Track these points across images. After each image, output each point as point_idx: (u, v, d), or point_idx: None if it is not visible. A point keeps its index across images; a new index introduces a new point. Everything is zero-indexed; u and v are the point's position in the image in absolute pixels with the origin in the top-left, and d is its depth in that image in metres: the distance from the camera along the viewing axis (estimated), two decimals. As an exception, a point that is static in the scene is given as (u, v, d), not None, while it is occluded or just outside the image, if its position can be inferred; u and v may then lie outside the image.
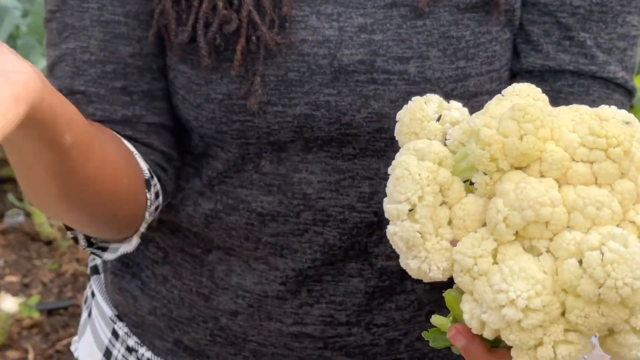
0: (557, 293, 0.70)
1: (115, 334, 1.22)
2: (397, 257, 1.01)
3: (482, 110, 0.76)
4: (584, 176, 0.70)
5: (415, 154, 0.75)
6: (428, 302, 1.05)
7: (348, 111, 0.94)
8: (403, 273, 1.02)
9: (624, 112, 0.76)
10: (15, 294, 2.11)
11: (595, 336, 0.78)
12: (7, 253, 2.22)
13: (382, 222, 0.83)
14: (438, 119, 0.81)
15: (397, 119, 0.81)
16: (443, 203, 0.74)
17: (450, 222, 0.74)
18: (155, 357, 1.18)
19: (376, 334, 1.12)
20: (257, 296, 1.11)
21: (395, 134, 0.81)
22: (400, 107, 0.82)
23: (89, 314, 1.28)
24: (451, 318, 0.81)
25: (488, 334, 0.73)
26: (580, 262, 0.68)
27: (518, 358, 0.72)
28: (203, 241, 1.12)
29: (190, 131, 1.03)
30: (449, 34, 1.01)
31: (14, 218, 2.33)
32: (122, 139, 1.00)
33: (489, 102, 0.77)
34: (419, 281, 1.03)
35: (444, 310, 0.82)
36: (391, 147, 0.91)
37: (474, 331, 0.74)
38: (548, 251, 0.70)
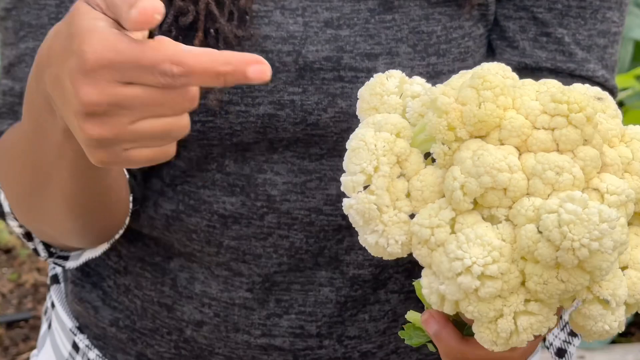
0: (516, 261, 0.70)
1: (75, 346, 1.21)
2: (370, 265, 1.07)
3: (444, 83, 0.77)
4: (544, 143, 0.70)
5: (373, 127, 0.76)
6: (403, 313, 1.04)
7: (314, 110, 0.95)
8: (376, 282, 1.09)
9: (596, 88, 0.77)
10: (-27, 305, 2.15)
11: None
12: (-37, 262, 2.28)
13: (350, 227, 0.83)
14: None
15: (358, 96, 0.81)
16: (401, 175, 0.74)
17: (408, 194, 0.74)
18: None
19: (349, 346, 1.11)
20: (224, 304, 1.10)
21: (357, 112, 0.81)
22: None
23: (49, 326, 1.27)
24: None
25: (448, 309, 0.73)
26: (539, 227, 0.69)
27: (480, 332, 0.72)
28: (163, 248, 1.12)
29: None
30: (419, 29, 1.01)
31: (-31, 225, 2.37)
32: None
33: (453, 75, 0.78)
34: (394, 291, 1.09)
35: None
36: None
37: (434, 306, 0.74)
38: (507, 219, 0.70)
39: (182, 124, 0.73)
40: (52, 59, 0.75)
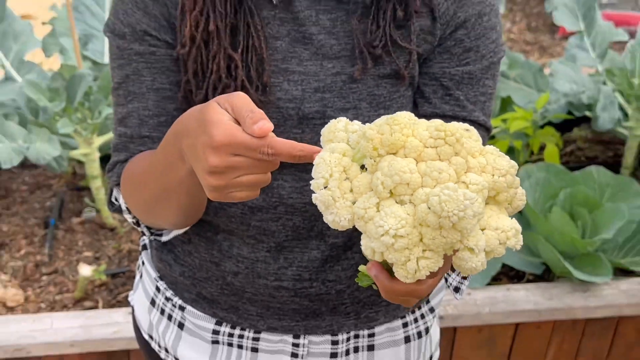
0: (416, 226, 0.77)
1: (157, 289, 1.33)
2: (342, 236, 1.17)
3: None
4: (431, 156, 0.79)
5: (329, 150, 0.83)
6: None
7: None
8: (345, 246, 1.19)
9: (467, 125, 0.82)
10: (90, 263, 2.27)
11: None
12: (84, 237, 2.37)
13: None
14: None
15: (321, 133, 0.87)
16: (347, 178, 0.82)
17: (351, 190, 0.82)
18: (184, 303, 1.28)
19: (329, 286, 1.22)
20: (251, 261, 1.20)
21: (321, 143, 0.87)
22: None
23: (140, 276, 1.39)
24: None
25: (378, 257, 0.80)
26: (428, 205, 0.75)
27: (397, 272, 0.80)
28: (213, 226, 1.21)
29: None
30: (374, 92, 1.11)
31: (89, 214, 2.47)
32: None
33: (377, 119, 0.83)
34: (356, 252, 1.19)
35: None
36: None
37: (369, 257, 0.81)
38: (410, 202, 0.78)
39: (267, 178, 0.85)
40: (189, 132, 0.86)
